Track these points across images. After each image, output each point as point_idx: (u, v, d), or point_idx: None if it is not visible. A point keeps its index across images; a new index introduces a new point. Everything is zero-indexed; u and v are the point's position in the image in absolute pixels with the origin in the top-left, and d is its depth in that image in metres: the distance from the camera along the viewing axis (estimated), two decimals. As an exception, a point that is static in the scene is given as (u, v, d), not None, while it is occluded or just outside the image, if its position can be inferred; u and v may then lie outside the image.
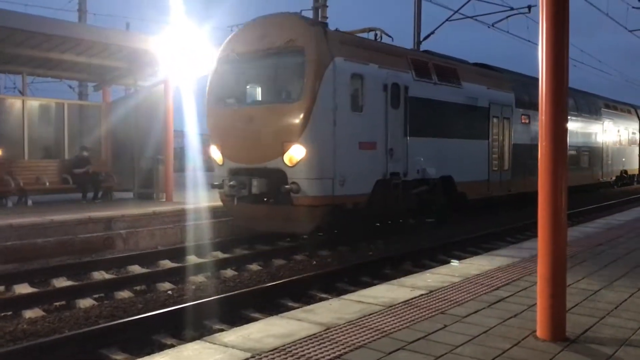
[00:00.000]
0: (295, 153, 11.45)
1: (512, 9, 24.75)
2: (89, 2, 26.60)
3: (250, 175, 11.93)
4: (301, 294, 8.52)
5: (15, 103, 17.39)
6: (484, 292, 5.77)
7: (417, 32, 24.77)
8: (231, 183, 11.97)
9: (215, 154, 12.71)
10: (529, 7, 24.28)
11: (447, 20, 25.07)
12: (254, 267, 10.84)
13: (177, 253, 11.56)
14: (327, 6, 24.26)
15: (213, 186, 12.65)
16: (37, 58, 15.75)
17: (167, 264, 10.95)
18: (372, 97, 12.72)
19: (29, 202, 15.87)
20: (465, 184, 16.19)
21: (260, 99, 12.30)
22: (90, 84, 22.53)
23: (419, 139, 14.27)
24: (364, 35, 14.46)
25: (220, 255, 11.71)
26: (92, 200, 16.78)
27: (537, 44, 4.47)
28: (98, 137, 18.56)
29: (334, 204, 11.87)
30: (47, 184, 16.43)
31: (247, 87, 12.67)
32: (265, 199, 11.99)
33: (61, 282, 9.39)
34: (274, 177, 11.79)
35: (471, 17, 24.90)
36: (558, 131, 4.25)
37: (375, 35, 14.42)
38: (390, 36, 14.41)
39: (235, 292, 8.32)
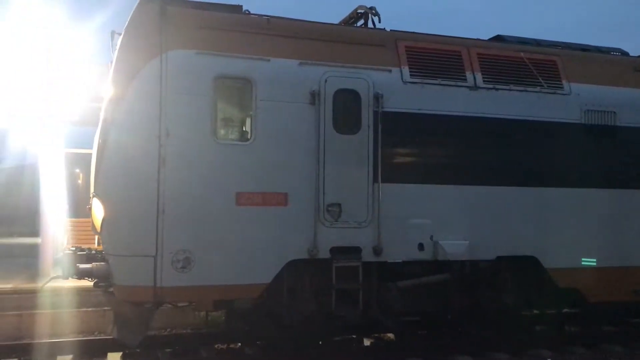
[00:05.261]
0: (97, 211, 6.95)
1: None
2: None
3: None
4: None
5: None
6: None
7: None
8: None
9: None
10: None
11: None
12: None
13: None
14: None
15: None
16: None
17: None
18: (277, 114, 7.26)
19: None
20: (583, 272, 8.47)
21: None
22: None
23: (421, 186, 7.82)
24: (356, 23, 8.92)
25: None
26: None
27: None
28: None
29: (160, 301, 6.81)
30: None
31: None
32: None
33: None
34: None
35: None
36: None
37: (366, 17, 8.72)
38: (377, 14, 8.48)
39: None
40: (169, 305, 7.41)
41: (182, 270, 6.77)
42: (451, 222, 7.86)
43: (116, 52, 7.01)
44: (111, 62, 7.68)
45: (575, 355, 8.75)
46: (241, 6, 8.11)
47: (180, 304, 7.29)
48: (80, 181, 17.69)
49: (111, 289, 7.04)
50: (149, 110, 6.77)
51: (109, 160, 6.72)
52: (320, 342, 8.47)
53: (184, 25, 7.13)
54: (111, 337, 7.41)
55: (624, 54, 9.89)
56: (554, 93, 8.53)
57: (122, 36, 7.02)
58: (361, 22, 8.86)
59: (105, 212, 6.72)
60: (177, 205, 6.78)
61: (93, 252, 7.58)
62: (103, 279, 7.03)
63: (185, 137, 6.87)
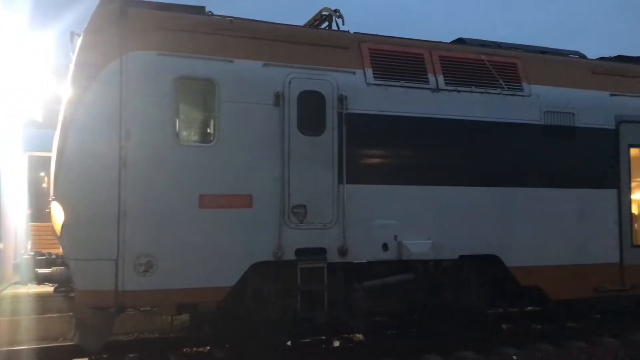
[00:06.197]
0: (57, 215, 6.85)
1: None
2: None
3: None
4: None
5: None
6: None
7: None
8: None
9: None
10: None
11: None
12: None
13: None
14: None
15: None
16: None
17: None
18: (241, 116, 7.25)
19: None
20: (544, 270, 8.65)
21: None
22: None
23: (385, 187, 7.90)
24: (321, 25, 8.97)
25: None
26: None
27: None
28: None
29: (122, 305, 6.74)
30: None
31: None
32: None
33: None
34: None
35: None
36: None
37: (329, 19, 8.79)
38: (341, 17, 8.55)
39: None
40: (133, 310, 7.32)
41: (144, 274, 6.70)
42: (415, 222, 7.94)
43: (76, 53, 6.91)
44: (70, 64, 7.58)
45: (540, 352, 8.89)
46: (204, 7, 8.09)
47: (143, 309, 7.20)
48: (45, 185, 17.37)
49: (72, 294, 6.93)
50: (109, 112, 6.68)
51: (69, 162, 6.62)
52: (289, 344, 8.48)
53: (145, 27, 7.06)
54: (73, 343, 7.29)
55: (582, 56, 10.14)
56: (514, 95, 8.69)
57: (81, 37, 6.93)
58: (325, 24, 8.92)
59: (65, 215, 6.61)
60: (138, 208, 6.71)
61: (53, 256, 7.46)
62: (63, 284, 6.92)
63: (147, 139, 6.80)
